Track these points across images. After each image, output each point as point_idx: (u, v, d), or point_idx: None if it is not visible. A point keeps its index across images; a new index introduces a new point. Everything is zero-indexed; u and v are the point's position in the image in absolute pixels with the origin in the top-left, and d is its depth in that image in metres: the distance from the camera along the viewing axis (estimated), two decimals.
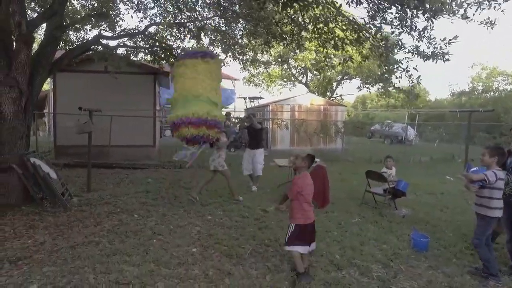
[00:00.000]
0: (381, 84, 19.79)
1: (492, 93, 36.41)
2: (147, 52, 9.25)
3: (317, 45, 6.68)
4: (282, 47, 8.06)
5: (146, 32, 8.61)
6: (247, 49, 9.55)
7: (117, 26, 9.22)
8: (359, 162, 12.30)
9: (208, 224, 4.87)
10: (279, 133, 14.05)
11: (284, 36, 6.35)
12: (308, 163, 3.47)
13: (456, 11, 4.32)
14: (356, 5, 4.82)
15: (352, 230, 4.80)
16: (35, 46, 8.30)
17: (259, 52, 9.72)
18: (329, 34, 6.03)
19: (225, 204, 6.06)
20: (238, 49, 9.92)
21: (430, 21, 4.69)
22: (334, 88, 25.15)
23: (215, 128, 3.81)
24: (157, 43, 9.06)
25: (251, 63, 10.07)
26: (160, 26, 9.43)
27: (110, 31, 9.02)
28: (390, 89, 19.99)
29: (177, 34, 9.55)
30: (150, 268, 3.36)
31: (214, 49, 10.13)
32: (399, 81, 5.93)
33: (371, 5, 4.96)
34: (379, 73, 16.52)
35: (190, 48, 9.23)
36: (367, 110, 40.97)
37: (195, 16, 9.42)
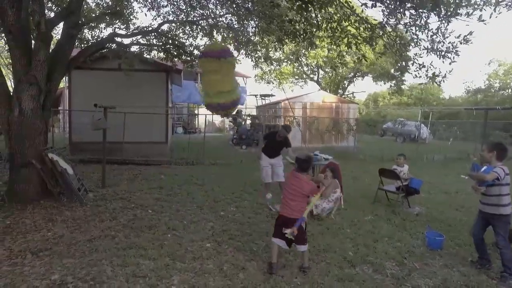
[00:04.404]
0: (393, 81, 19.57)
1: (509, 91, 35.52)
2: (160, 49, 9.35)
3: (330, 43, 6.63)
4: (294, 45, 7.99)
5: (159, 30, 8.70)
6: (260, 47, 9.55)
7: (131, 24, 9.36)
8: (371, 160, 12.19)
9: (222, 220, 4.92)
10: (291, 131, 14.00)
11: (297, 34, 6.34)
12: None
13: (471, 13, 4.28)
14: (372, 7, 4.80)
15: (365, 227, 4.79)
16: (52, 44, 8.50)
17: (271, 49, 9.69)
18: (342, 32, 5.99)
19: (238, 201, 6.11)
20: (251, 47, 9.94)
21: (443, 23, 4.66)
22: (346, 85, 24.99)
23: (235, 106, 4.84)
24: (170, 41, 9.15)
25: (264, 61, 10.07)
26: (173, 24, 9.51)
27: (124, 29, 9.16)
28: (403, 86, 19.77)
29: (190, 31, 9.64)
30: (166, 262, 3.43)
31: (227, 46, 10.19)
32: (416, 76, 5.81)
33: (386, 7, 4.92)
34: (392, 71, 16.37)
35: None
36: (379, 108, 40.46)
37: (208, 13, 9.46)
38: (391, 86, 21.26)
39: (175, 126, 18.49)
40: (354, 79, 23.83)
